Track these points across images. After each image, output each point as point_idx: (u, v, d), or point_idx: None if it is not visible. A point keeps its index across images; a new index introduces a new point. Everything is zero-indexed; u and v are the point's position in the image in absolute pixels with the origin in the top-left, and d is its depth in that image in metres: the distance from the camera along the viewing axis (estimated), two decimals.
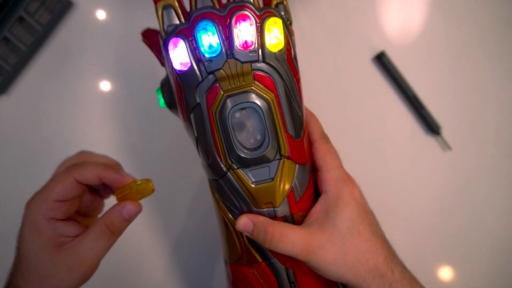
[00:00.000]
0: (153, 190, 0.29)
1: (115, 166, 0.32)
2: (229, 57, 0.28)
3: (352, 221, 0.30)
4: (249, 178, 0.30)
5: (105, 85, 0.55)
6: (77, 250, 0.29)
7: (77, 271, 0.29)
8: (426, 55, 0.52)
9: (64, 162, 0.33)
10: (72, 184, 0.29)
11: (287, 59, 0.30)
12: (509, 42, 0.52)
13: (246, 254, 0.32)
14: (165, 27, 0.30)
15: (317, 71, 0.53)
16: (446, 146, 0.50)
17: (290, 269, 0.32)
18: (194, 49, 0.28)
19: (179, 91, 0.30)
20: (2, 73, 0.54)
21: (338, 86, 0.53)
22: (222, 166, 0.30)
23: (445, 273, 0.49)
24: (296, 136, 0.30)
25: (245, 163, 0.29)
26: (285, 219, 0.31)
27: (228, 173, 0.30)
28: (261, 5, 0.31)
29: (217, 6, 0.30)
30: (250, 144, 0.29)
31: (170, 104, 0.33)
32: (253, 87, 0.28)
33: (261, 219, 0.30)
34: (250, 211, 0.30)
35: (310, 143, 0.33)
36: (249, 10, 0.28)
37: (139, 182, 0.29)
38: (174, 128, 0.52)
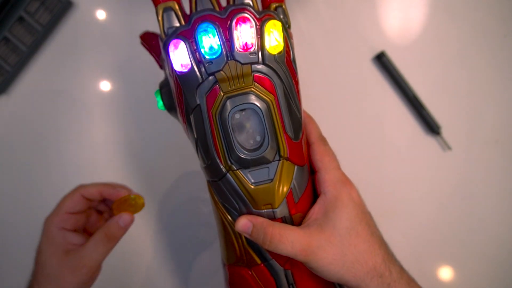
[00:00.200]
0: (143, 205, 0.36)
1: (113, 185, 0.38)
2: (229, 58, 0.28)
3: (351, 222, 0.30)
4: (249, 179, 0.30)
5: (105, 85, 0.55)
6: (80, 254, 0.34)
7: (79, 272, 0.34)
8: (426, 55, 0.52)
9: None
10: (79, 198, 0.36)
11: (286, 61, 0.30)
12: (509, 42, 0.52)
13: (244, 256, 0.32)
14: (166, 29, 0.30)
15: (317, 71, 0.53)
16: (446, 146, 0.50)
17: (288, 271, 0.32)
18: (194, 51, 0.28)
19: (179, 93, 0.30)
20: (2, 73, 0.54)
21: (338, 86, 0.53)
22: (221, 167, 0.30)
23: (445, 273, 0.49)
24: (294, 138, 0.30)
25: (245, 164, 0.29)
26: (284, 220, 0.31)
27: (228, 174, 0.30)
28: (260, 8, 0.31)
29: (217, 9, 0.30)
30: (250, 145, 0.29)
31: (169, 107, 0.33)
32: (253, 89, 0.29)
33: (260, 220, 0.30)
34: (249, 212, 0.30)
35: (308, 145, 0.33)
36: (249, 13, 0.29)
37: (133, 196, 0.36)
38: (174, 128, 0.52)
